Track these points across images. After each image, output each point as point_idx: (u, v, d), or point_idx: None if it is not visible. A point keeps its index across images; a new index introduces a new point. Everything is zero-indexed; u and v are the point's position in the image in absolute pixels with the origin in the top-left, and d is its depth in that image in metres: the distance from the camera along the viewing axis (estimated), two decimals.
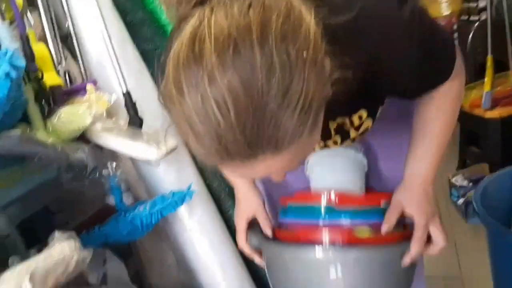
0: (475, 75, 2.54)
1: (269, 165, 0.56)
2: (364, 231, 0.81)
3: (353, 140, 0.84)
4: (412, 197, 0.82)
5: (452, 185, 2.14)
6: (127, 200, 1.34)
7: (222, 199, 1.41)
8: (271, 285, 0.89)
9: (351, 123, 0.79)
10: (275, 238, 0.90)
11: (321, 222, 0.83)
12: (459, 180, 2.09)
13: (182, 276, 1.56)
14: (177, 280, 1.64)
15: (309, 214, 0.85)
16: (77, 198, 1.33)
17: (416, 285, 1.19)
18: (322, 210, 0.83)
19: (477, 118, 2.23)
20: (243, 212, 0.97)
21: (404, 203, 0.82)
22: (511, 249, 0.95)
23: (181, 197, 1.11)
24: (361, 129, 0.81)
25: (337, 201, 0.83)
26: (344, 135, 0.82)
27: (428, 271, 1.28)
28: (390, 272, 0.81)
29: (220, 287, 1.32)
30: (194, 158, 1.35)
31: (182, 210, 1.28)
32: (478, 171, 2.14)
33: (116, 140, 1.06)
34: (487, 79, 2.14)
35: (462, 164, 2.47)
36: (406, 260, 0.80)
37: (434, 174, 0.83)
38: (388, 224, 0.81)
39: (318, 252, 0.79)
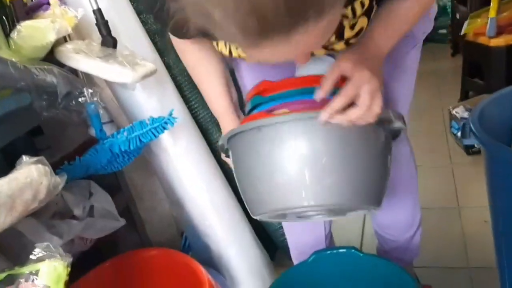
0: (480, 3, 2.41)
1: (306, 39, 0.52)
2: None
3: (348, 42, 0.77)
4: (358, 58, 0.72)
5: (452, 117, 2.07)
6: (111, 131, 1.29)
7: (210, 130, 1.35)
8: (234, 171, 0.85)
9: (353, 11, 0.72)
10: None
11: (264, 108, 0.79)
12: (460, 111, 2.02)
13: (174, 208, 1.53)
14: (169, 213, 1.62)
15: (254, 103, 0.81)
16: (60, 131, 1.29)
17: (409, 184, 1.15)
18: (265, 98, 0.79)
19: (481, 47, 2.12)
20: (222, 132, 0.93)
21: (345, 61, 0.72)
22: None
23: (161, 124, 1.05)
24: (356, 28, 0.75)
25: (275, 86, 0.78)
26: (339, 36, 0.76)
27: (425, 203, 1.25)
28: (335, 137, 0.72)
29: (210, 217, 1.29)
30: (178, 86, 1.28)
31: (166, 140, 1.22)
32: (478, 102, 2.06)
33: (87, 62, 0.99)
34: (493, 4, 2.02)
35: (464, 96, 2.39)
36: (323, 114, 0.69)
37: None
38: (324, 87, 0.71)
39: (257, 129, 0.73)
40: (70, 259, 0.83)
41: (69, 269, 0.82)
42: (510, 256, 1.00)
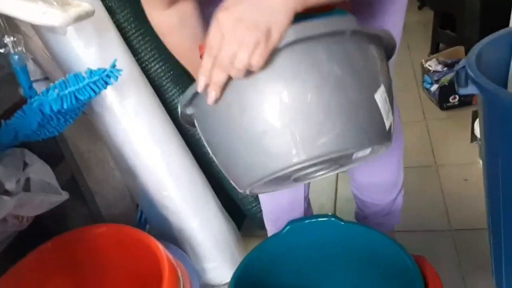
0: None
1: None
2: None
3: None
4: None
5: (425, 71, 1.96)
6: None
7: (164, 87, 1.17)
8: (205, 143, 0.67)
9: None
10: None
11: None
12: (433, 65, 1.91)
13: (126, 178, 1.36)
14: (121, 183, 1.44)
15: None
16: None
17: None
18: None
19: None
20: None
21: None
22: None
23: (102, 77, 0.87)
24: None
25: None
26: None
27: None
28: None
29: (167, 187, 1.13)
30: (124, 35, 1.09)
31: (111, 98, 1.04)
32: (453, 54, 1.96)
33: (4, 0, 0.78)
34: None
35: (435, 50, 2.28)
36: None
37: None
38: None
39: None
40: None
41: None
42: (509, 212, 0.89)
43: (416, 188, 1.43)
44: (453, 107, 1.82)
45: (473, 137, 1.60)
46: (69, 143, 1.27)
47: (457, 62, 1.92)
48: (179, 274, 0.98)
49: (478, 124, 0.95)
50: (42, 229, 1.24)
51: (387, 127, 0.61)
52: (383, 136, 0.60)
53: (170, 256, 0.99)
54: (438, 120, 1.80)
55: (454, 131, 1.70)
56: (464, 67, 0.87)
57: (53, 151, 1.24)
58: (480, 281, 1.12)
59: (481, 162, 1.51)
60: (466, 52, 1.99)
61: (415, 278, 0.80)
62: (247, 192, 0.65)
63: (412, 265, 0.82)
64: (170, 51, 0.81)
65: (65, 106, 0.84)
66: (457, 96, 1.81)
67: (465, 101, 1.82)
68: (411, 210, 1.21)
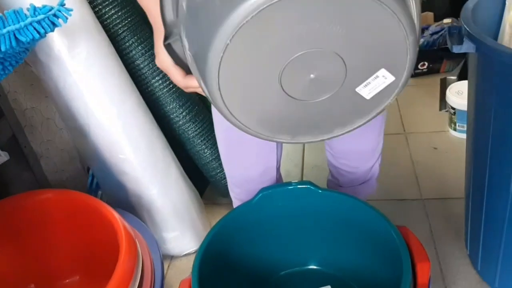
0: None
1: None
2: None
3: None
4: None
5: None
6: None
7: (121, 35, 1.04)
8: (187, 55, 0.56)
9: None
10: None
11: None
12: None
13: (75, 140, 1.22)
14: (70, 144, 1.31)
15: None
16: None
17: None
18: None
19: None
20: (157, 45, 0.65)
21: None
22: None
23: (48, 16, 0.73)
24: None
25: None
26: None
27: None
28: None
29: (124, 150, 1.02)
30: None
31: (59, 45, 0.90)
32: (422, 20, 1.91)
33: None
34: None
35: None
36: None
37: None
38: None
39: None
40: None
41: None
42: (499, 177, 0.85)
43: (386, 156, 1.36)
44: (422, 74, 1.77)
45: (442, 105, 1.56)
46: (9, 99, 1.12)
47: (427, 28, 1.88)
48: (138, 245, 0.88)
49: (468, 86, 0.89)
50: None
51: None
52: None
53: (128, 226, 0.89)
54: (406, 87, 1.74)
55: (422, 99, 1.66)
56: (454, 25, 0.80)
57: None
58: (452, 250, 1.09)
59: (450, 130, 1.48)
60: (435, 18, 1.96)
61: (399, 249, 0.74)
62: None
63: (397, 236, 0.76)
64: None
65: (2, 49, 0.70)
66: (426, 63, 1.77)
67: (434, 68, 1.78)
68: (380, 178, 1.15)
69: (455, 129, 1.45)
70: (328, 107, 0.56)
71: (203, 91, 0.54)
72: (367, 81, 0.53)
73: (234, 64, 0.49)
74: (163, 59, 0.64)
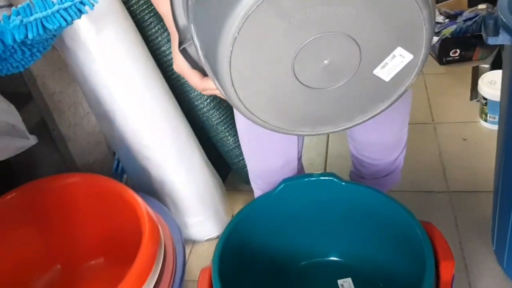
0: None
1: None
2: None
3: None
4: None
5: None
6: None
7: (148, 21, 1.04)
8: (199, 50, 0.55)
9: None
10: None
11: None
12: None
13: (102, 124, 1.24)
14: (97, 128, 1.33)
15: None
16: None
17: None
18: None
19: None
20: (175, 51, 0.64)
21: None
22: None
23: (75, 4, 0.73)
24: None
25: None
26: None
27: None
28: None
29: (148, 136, 1.02)
30: None
31: (86, 31, 0.91)
32: (456, 5, 1.85)
33: None
34: None
35: (436, 1, 2.16)
36: None
37: None
38: None
39: None
40: None
41: None
42: None
43: (412, 146, 1.34)
44: (453, 61, 1.72)
45: (473, 95, 1.52)
46: (38, 83, 1.13)
47: (460, 13, 1.81)
48: (160, 230, 0.89)
49: (502, 77, 0.86)
50: (8, 176, 1.14)
51: None
52: None
53: (151, 212, 0.90)
54: (436, 75, 1.71)
55: (453, 88, 1.61)
56: (492, 14, 0.76)
57: (20, 91, 1.11)
58: (477, 245, 1.06)
59: (480, 121, 1.44)
60: (469, 3, 1.89)
61: (423, 245, 0.72)
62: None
63: (421, 232, 0.74)
64: None
65: (30, 36, 0.71)
66: (458, 51, 1.71)
67: (466, 56, 1.72)
68: (406, 169, 1.13)
69: (486, 120, 1.41)
70: (346, 93, 0.54)
71: (219, 91, 0.53)
72: (384, 61, 0.51)
73: (245, 58, 0.48)
74: (180, 64, 0.64)
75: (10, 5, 1.01)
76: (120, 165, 1.28)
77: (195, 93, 1.11)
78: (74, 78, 1.08)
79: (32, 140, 1.03)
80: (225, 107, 1.14)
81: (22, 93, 1.12)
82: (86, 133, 1.32)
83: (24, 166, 1.20)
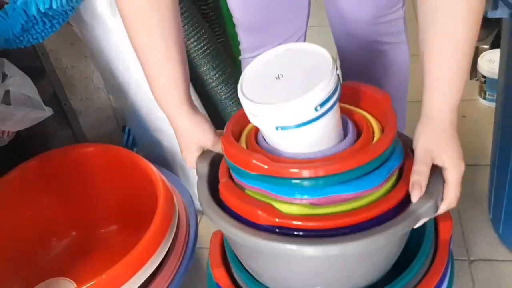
0: None
1: None
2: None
3: None
4: (443, 139, 0.58)
5: None
6: None
7: None
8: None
9: None
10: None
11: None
12: None
13: (115, 97, 1.28)
14: (107, 103, 1.36)
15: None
16: None
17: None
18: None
19: None
20: (187, 148, 0.68)
21: (435, 149, 0.58)
22: None
23: None
24: None
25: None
26: None
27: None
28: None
29: (158, 107, 1.06)
30: None
31: (103, 6, 0.94)
32: None
33: None
34: None
35: None
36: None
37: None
38: (419, 186, 0.55)
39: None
40: None
41: None
42: None
43: (413, 123, 1.39)
44: None
45: (473, 74, 1.56)
46: (50, 57, 1.16)
47: None
48: (174, 198, 0.94)
49: (500, 56, 0.90)
50: (20, 147, 1.17)
51: None
52: None
53: (165, 180, 0.94)
54: None
55: None
56: None
57: (33, 65, 1.14)
58: (475, 214, 1.12)
59: (479, 99, 1.48)
60: None
61: None
62: None
63: None
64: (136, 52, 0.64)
65: (54, 6, 0.75)
66: None
67: None
68: None
69: (484, 98, 1.46)
70: None
71: None
72: None
73: None
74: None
75: None
76: (130, 139, 1.31)
77: (204, 68, 1.14)
78: (89, 52, 1.11)
79: (48, 112, 1.06)
80: (233, 82, 1.17)
81: (35, 67, 1.14)
82: (97, 108, 1.36)
83: (37, 139, 1.23)
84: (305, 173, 0.54)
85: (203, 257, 1.10)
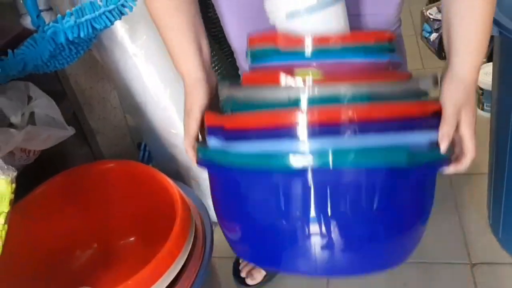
0: None
1: None
2: None
3: None
4: (467, 95, 0.65)
5: (425, 19, 1.95)
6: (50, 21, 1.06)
7: None
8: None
9: None
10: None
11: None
12: (433, 13, 1.89)
13: (129, 118, 1.35)
14: (123, 122, 1.43)
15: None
16: None
17: None
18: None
19: None
20: (189, 109, 0.74)
21: (460, 103, 0.64)
22: None
23: (117, 6, 0.84)
24: None
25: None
26: None
27: None
28: None
29: (177, 125, 1.13)
30: None
31: (122, 31, 1.02)
32: None
33: None
34: None
35: None
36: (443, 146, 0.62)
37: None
38: (448, 136, 0.62)
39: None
40: (14, 173, 0.66)
41: (14, 185, 0.65)
42: None
43: None
44: None
45: None
46: (70, 80, 1.24)
47: None
48: (192, 213, 0.99)
49: (493, 70, 0.96)
50: (43, 164, 1.24)
51: None
52: None
53: (183, 194, 1.00)
54: (437, 69, 1.79)
55: None
56: None
57: (54, 88, 1.21)
58: (475, 220, 1.17)
59: (478, 110, 1.54)
60: None
61: None
62: None
63: None
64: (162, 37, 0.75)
65: (81, 35, 0.82)
66: None
67: None
68: None
69: (482, 109, 1.51)
70: None
71: None
72: None
73: None
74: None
75: (50, 9, 1.13)
76: (145, 155, 1.38)
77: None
78: (107, 74, 1.18)
79: (70, 131, 1.13)
80: None
81: (56, 90, 1.22)
82: (113, 126, 1.43)
83: (58, 156, 1.30)
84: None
85: (218, 267, 1.16)
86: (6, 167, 0.65)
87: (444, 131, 0.62)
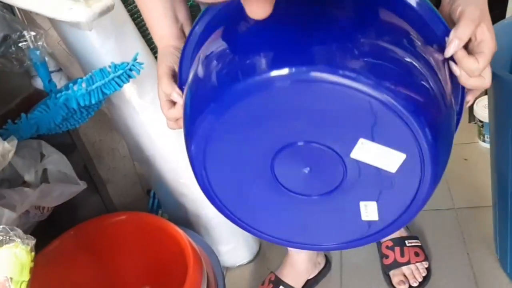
0: None
1: None
2: None
3: None
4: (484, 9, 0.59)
5: None
6: (59, 82, 1.11)
7: None
8: None
9: None
10: None
11: None
12: None
13: (138, 166, 1.39)
14: (132, 171, 1.47)
15: None
16: None
17: None
18: None
19: None
20: (160, 77, 0.72)
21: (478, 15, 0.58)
22: None
23: (125, 71, 0.88)
24: None
25: None
26: None
27: None
28: None
29: (184, 175, 1.16)
30: (137, 25, 1.10)
31: (129, 90, 1.06)
32: None
33: None
34: None
35: None
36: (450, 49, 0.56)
37: None
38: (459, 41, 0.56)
39: None
40: (33, 241, 0.69)
41: (33, 254, 0.68)
42: None
43: None
44: None
45: (471, 118, 1.65)
46: (80, 133, 1.28)
47: None
48: (203, 260, 1.01)
49: (488, 105, 0.99)
50: (55, 216, 1.27)
51: None
52: None
53: (193, 242, 1.02)
54: None
55: None
56: None
57: (64, 141, 1.25)
58: (484, 256, 1.18)
59: (479, 142, 1.56)
60: None
61: None
62: None
63: None
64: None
65: (93, 101, 0.86)
66: None
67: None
68: None
69: (484, 141, 1.54)
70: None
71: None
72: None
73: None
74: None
75: (59, 70, 1.18)
76: (155, 202, 1.41)
77: None
78: (117, 129, 1.22)
79: (82, 185, 1.16)
80: None
81: (67, 144, 1.26)
82: (123, 175, 1.47)
83: (69, 206, 1.33)
84: None
85: None
86: (25, 236, 0.67)
87: (459, 32, 0.56)
